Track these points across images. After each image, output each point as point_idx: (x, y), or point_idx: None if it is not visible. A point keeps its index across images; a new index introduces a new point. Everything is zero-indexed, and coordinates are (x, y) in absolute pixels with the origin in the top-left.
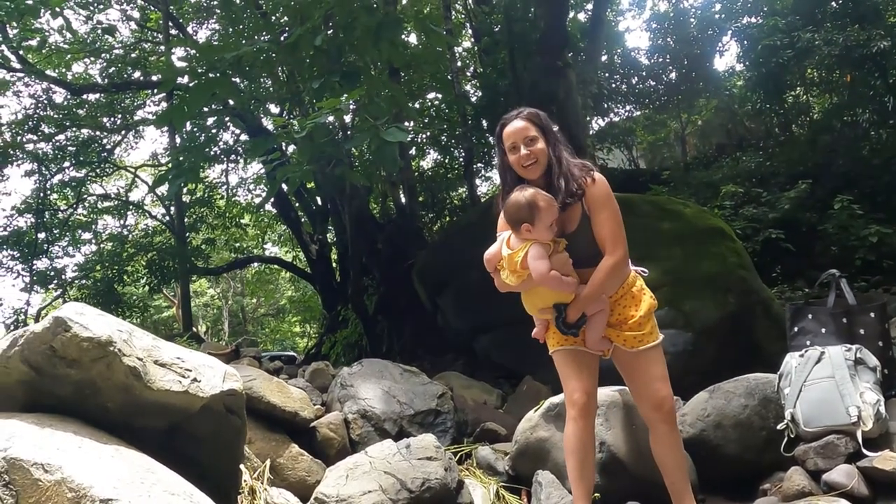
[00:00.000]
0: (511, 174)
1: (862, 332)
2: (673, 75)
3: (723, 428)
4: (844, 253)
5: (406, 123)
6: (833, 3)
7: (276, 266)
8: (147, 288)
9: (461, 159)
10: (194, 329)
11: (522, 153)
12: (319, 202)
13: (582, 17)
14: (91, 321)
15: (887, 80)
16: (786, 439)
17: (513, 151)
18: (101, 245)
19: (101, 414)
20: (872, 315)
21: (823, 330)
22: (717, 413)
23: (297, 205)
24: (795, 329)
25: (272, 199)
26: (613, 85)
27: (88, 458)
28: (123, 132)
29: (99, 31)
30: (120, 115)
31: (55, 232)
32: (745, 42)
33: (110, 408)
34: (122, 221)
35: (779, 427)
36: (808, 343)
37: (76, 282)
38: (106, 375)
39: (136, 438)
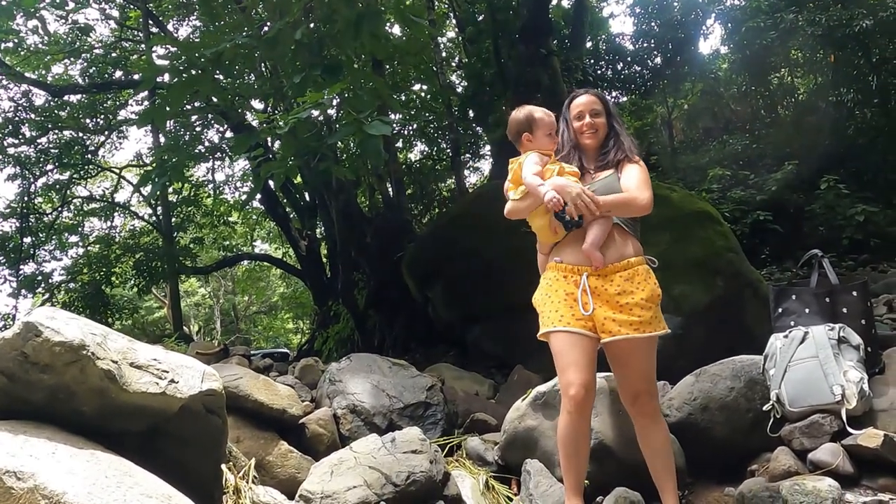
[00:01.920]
0: (567, 137)
1: (845, 310)
2: (658, 60)
3: (709, 411)
4: (832, 232)
5: (391, 115)
6: None
7: (266, 263)
8: (136, 289)
9: (448, 150)
10: (186, 329)
11: (587, 121)
12: (307, 197)
13: (565, 3)
14: (62, 325)
15: (871, 60)
16: (772, 420)
17: (579, 119)
18: (88, 247)
19: (77, 418)
20: (855, 294)
21: (807, 310)
22: (704, 396)
23: (284, 201)
24: (780, 310)
25: (259, 196)
26: (599, 71)
27: (63, 464)
28: (106, 133)
29: (77, 32)
30: (102, 116)
31: (41, 236)
32: (729, 24)
33: (86, 412)
34: (108, 223)
35: (765, 408)
36: (791, 324)
37: (64, 285)
38: (80, 379)
39: (115, 442)
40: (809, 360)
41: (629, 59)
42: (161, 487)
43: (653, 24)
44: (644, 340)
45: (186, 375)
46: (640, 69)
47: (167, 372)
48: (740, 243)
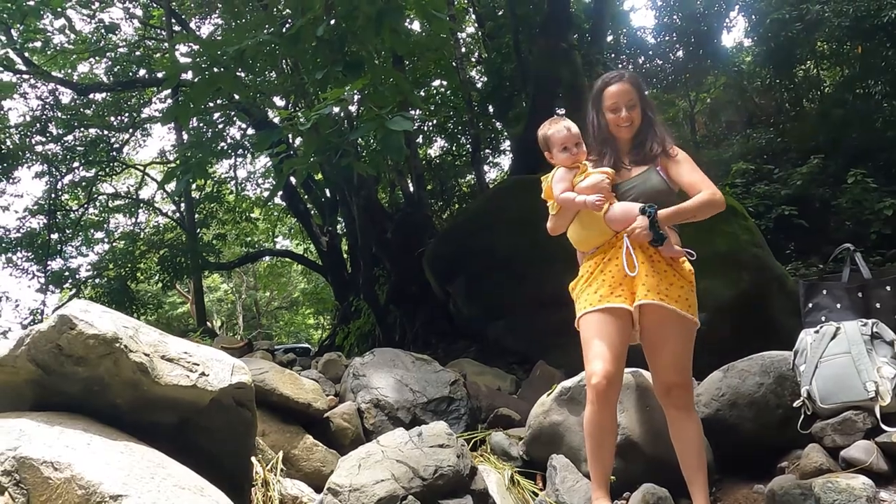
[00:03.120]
0: (598, 129)
1: (878, 305)
2: (680, 53)
3: (738, 407)
4: (859, 227)
5: (411, 111)
6: None
7: (287, 259)
8: (160, 285)
9: (468, 146)
10: (209, 324)
11: (623, 115)
12: (328, 194)
13: None
14: (96, 318)
15: None
16: (802, 416)
17: (613, 111)
18: (114, 244)
19: (111, 410)
20: (888, 288)
21: (838, 305)
22: (732, 392)
23: (305, 197)
24: (810, 305)
25: (281, 193)
26: (620, 65)
27: (98, 454)
28: (131, 130)
29: (102, 31)
30: (127, 114)
31: (68, 232)
32: (753, 17)
33: (119, 404)
34: (133, 219)
35: (795, 404)
36: (822, 319)
37: (90, 281)
38: (113, 372)
39: (147, 434)
40: (841, 356)
41: (651, 52)
42: (193, 479)
43: (675, 16)
44: (681, 319)
45: (217, 368)
46: (661, 63)
47: (198, 365)
48: (765, 238)
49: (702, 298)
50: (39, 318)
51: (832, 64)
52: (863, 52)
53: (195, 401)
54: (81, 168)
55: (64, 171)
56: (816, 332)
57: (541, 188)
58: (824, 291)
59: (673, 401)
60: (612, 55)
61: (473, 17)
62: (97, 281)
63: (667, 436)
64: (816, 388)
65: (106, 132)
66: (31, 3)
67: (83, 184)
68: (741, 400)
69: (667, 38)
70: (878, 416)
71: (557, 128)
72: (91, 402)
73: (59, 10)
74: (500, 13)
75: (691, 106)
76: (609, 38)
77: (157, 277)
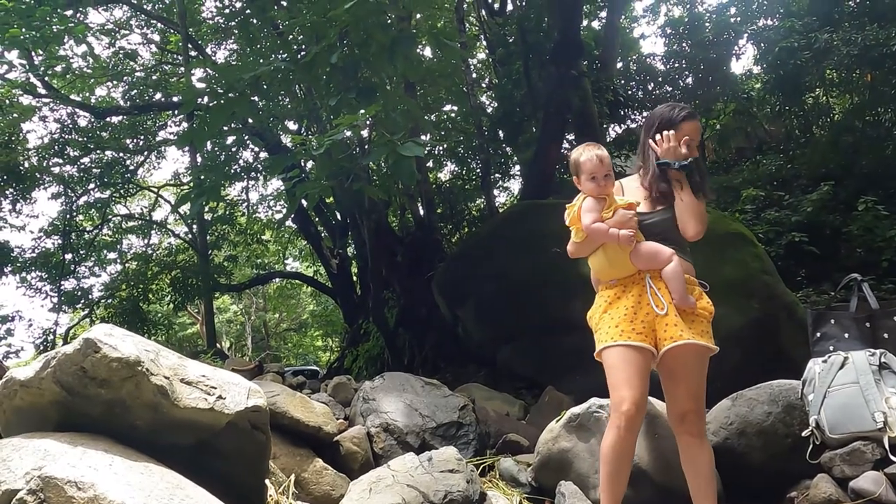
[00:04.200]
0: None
1: (886, 336)
2: (689, 80)
3: (746, 436)
4: (870, 255)
5: (422, 136)
6: (850, 3)
7: (297, 281)
8: (171, 306)
9: (478, 170)
10: (218, 345)
11: (692, 153)
12: (339, 217)
13: (596, 24)
14: (119, 342)
15: None
16: (811, 446)
17: (688, 146)
18: (127, 264)
19: (130, 432)
20: None
21: (846, 335)
22: (741, 421)
23: (316, 220)
24: (818, 334)
25: (292, 215)
26: (629, 91)
27: (120, 475)
28: (146, 153)
29: (121, 56)
30: (142, 137)
31: (81, 252)
32: (762, 45)
33: (139, 426)
34: (146, 241)
35: (804, 434)
36: (830, 348)
37: (103, 301)
38: (135, 394)
39: (164, 455)
40: (850, 386)
41: (660, 79)
42: (210, 501)
43: (684, 44)
44: (704, 350)
45: (233, 392)
46: (671, 89)
47: (215, 388)
48: (775, 265)
49: (712, 325)
50: (52, 337)
51: (841, 92)
52: (872, 80)
53: (212, 423)
54: (97, 189)
55: (79, 192)
56: (825, 361)
57: (561, 212)
58: (832, 321)
59: (687, 427)
60: (622, 81)
61: (484, 43)
62: (109, 301)
63: (676, 464)
64: (825, 418)
65: (122, 154)
66: (56, 29)
67: (98, 205)
68: (750, 429)
69: (676, 64)
70: (888, 446)
71: (589, 155)
72: (112, 423)
73: (80, 36)
74: (510, 40)
75: (701, 132)
76: (619, 65)
77: (168, 298)
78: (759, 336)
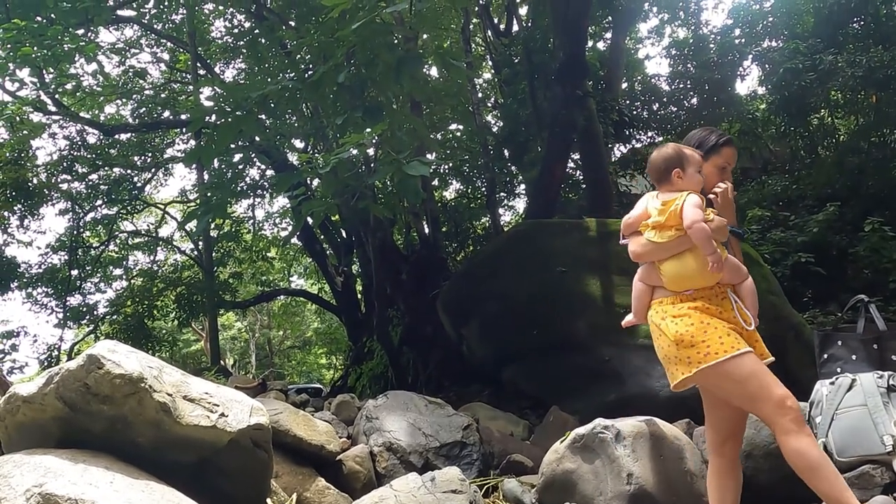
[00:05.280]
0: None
1: (894, 358)
2: (694, 100)
3: (754, 458)
4: (877, 276)
5: (428, 155)
6: (855, 25)
7: (301, 298)
8: (176, 322)
9: (484, 189)
10: (222, 362)
11: (725, 178)
12: (344, 235)
13: (601, 45)
14: (123, 358)
15: None
16: None
17: (722, 172)
18: (132, 280)
19: (132, 449)
20: None
21: (854, 356)
22: (748, 443)
23: (322, 238)
24: (825, 356)
25: (298, 233)
26: (634, 112)
27: (120, 493)
28: (153, 170)
29: (130, 74)
30: (150, 154)
31: (88, 268)
32: (767, 66)
33: (141, 443)
34: (151, 257)
35: None
36: (838, 370)
37: (108, 317)
38: (137, 411)
39: (166, 472)
40: (858, 409)
41: (665, 99)
42: None
43: (689, 65)
44: None
45: (236, 410)
46: (676, 110)
47: (218, 406)
48: (781, 286)
49: None
50: (56, 353)
51: (846, 113)
52: (877, 101)
53: (214, 441)
54: (104, 206)
55: (87, 208)
56: (832, 383)
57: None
58: (839, 342)
59: (729, 452)
60: (627, 101)
61: (490, 63)
62: (114, 317)
63: (679, 485)
64: (833, 441)
65: (129, 171)
66: (67, 48)
67: (105, 221)
68: (757, 451)
69: (681, 85)
70: None
71: (691, 151)
72: (114, 440)
73: (91, 55)
74: (516, 60)
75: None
76: (624, 86)
77: (173, 315)
78: None
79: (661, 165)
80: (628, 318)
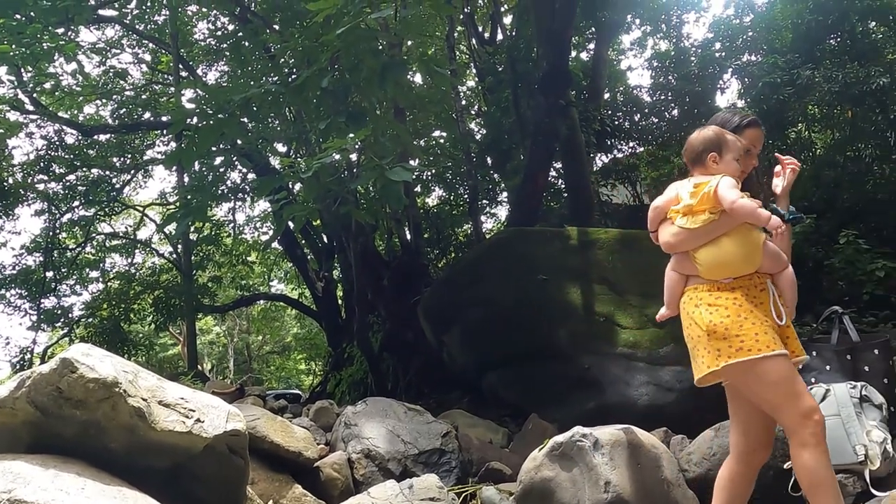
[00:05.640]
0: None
1: (866, 368)
2: (675, 112)
3: None
4: (852, 288)
5: (411, 161)
6: (831, 42)
7: (281, 303)
8: (153, 326)
9: (466, 196)
10: (199, 367)
11: (754, 162)
12: (325, 240)
13: (584, 56)
14: (97, 362)
15: (888, 116)
16: (793, 479)
17: (748, 154)
18: (109, 283)
19: (105, 454)
20: (876, 352)
21: (828, 367)
22: (724, 452)
23: (303, 242)
24: (800, 366)
25: (279, 237)
26: (616, 122)
27: (92, 499)
28: (133, 172)
29: (111, 74)
30: (129, 155)
31: (63, 270)
32: (746, 79)
33: (114, 448)
34: (129, 260)
35: (786, 466)
36: (812, 380)
37: (83, 320)
38: (111, 416)
39: (139, 478)
40: (831, 418)
41: (646, 110)
42: None
43: (670, 77)
44: None
45: (212, 415)
46: (657, 121)
47: (194, 411)
48: None
49: None
50: (29, 356)
51: (823, 127)
52: (853, 116)
53: (189, 447)
54: (81, 207)
55: (63, 209)
56: None
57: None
58: (814, 353)
59: (755, 461)
60: (609, 112)
61: (474, 71)
62: (90, 320)
63: (656, 494)
64: None
65: (108, 173)
66: (46, 46)
67: (82, 223)
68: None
69: (662, 97)
70: (868, 480)
71: (733, 137)
72: (86, 445)
73: (71, 54)
74: (500, 69)
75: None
76: (606, 96)
77: (150, 318)
78: None
79: (699, 147)
80: (662, 312)
